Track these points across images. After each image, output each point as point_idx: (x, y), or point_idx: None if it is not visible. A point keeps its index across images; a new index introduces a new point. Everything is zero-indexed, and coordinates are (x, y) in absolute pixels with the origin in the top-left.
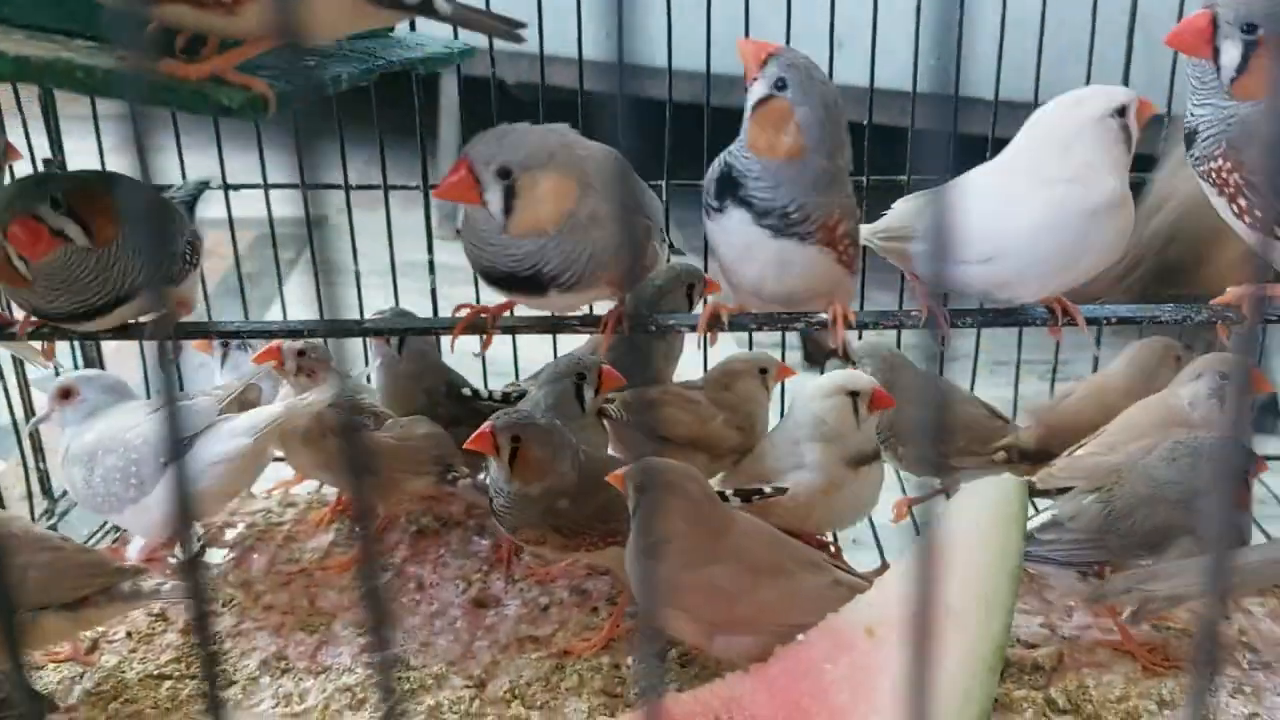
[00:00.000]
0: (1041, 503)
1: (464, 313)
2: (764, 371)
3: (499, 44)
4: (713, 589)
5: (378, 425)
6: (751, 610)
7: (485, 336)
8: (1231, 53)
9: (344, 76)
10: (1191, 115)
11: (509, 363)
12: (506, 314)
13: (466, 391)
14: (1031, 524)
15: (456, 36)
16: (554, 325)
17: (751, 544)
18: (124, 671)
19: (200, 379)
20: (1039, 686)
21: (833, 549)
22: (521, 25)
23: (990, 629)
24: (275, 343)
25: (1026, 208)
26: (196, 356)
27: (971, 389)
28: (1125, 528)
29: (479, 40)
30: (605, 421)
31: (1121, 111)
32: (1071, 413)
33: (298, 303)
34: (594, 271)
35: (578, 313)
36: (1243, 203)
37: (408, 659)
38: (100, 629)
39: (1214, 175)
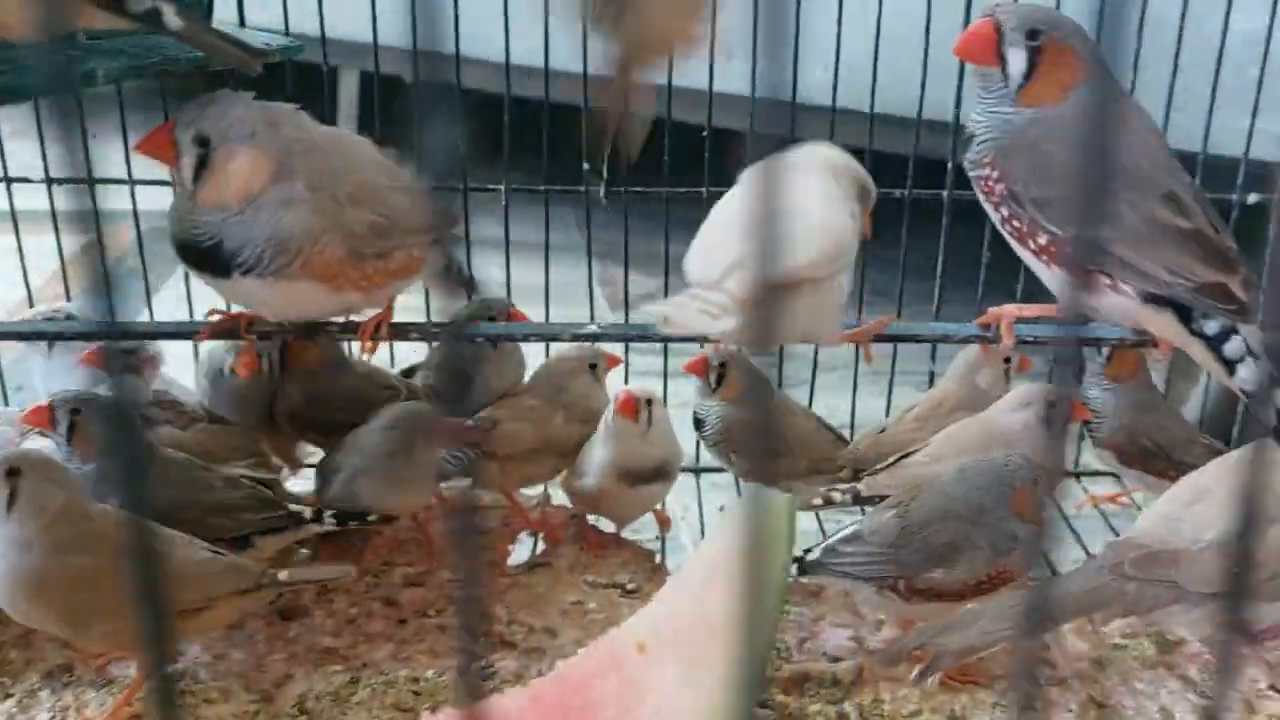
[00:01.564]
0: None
1: (216, 317)
2: (594, 366)
3: (396, 40)
4: (78, 577)
5: (183, 425)
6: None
7: (242, 344)
8: (1017, 61)
9: (100, 73)
10: (972, 120)
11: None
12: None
13: None
14: (835, 537)
15: (288, 32)
16: (309, 330)
17: (116, 529)
18: None
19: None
20: (835, 701)
21: (658, 559)
22: (263, 55)
23: (754, 643)
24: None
25: None
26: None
27: (810, 404)
28: (918, 542)
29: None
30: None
31: None
32: (910, 429)
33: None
34: (278, 257)
35: (340, 319)
36: (1005, 212)
37: (196, 672)
38: None
39: (982, 183)
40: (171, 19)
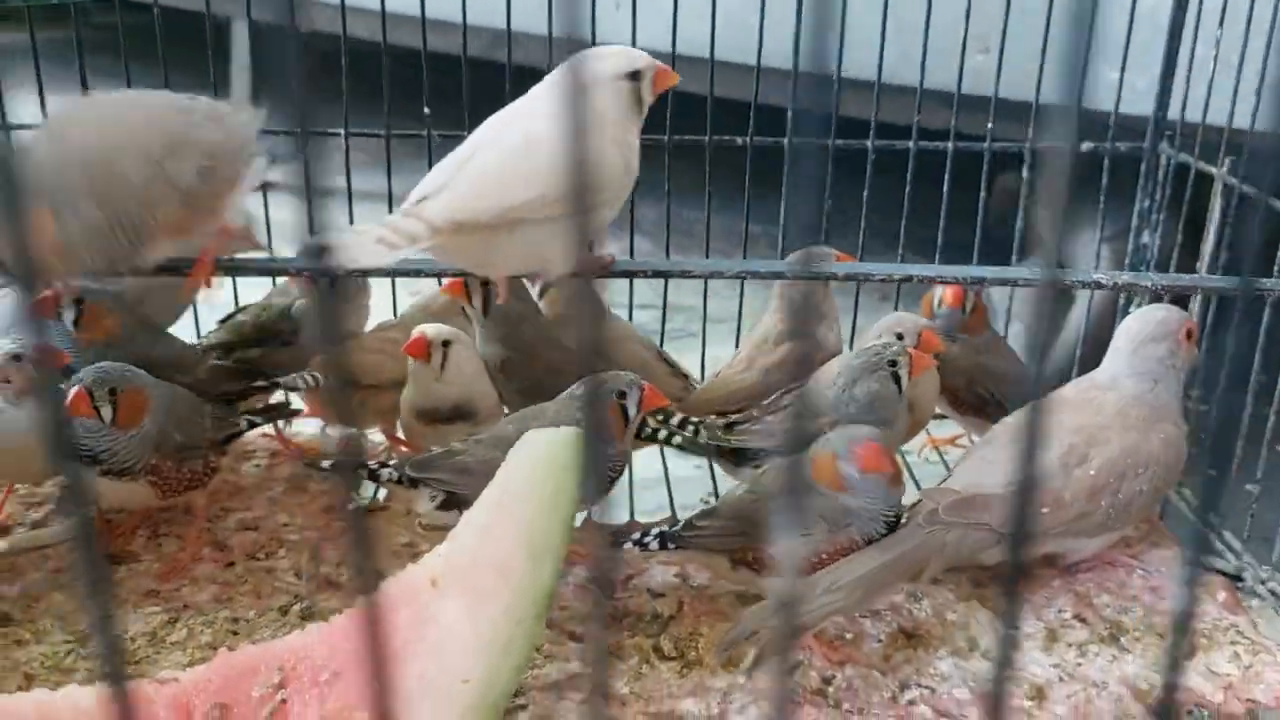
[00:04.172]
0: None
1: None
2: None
3: None
4: None
5: None
6: None
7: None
8: None
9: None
10: None
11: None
12: None
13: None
14: (693, 512)
15: None
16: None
17: None
18: None
19: None
20: (651, 634)
21: None
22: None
23: (537, 577)
24: None
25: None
26: None
27: (661, 344)
28: (763, 516)
29: None
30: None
31: (635, 75)
32: (739, 370)
33: None
34: None
35: None
36: None
37: (10, 613)
38: None
39: None
40: None
